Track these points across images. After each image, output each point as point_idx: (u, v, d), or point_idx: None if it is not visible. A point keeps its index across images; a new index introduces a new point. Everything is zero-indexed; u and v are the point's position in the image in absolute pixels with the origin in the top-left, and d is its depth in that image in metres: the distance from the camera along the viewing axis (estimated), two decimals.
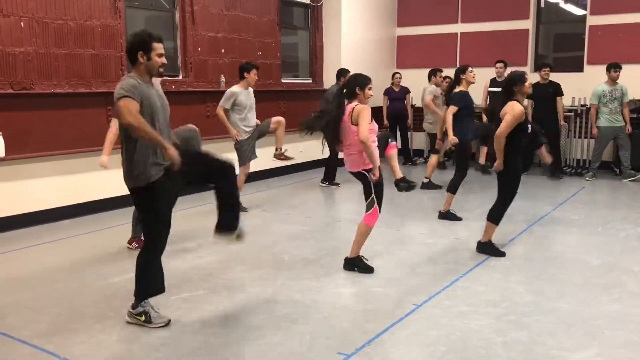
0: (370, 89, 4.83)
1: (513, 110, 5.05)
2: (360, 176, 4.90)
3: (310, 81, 10.78)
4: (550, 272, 4.94)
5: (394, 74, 10.74)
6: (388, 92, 10.72)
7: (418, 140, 11.52)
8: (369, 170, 4.83)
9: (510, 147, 5.09)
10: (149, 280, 3.93)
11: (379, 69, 11.07)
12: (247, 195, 7.30)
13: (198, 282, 4.69)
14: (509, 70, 9.86)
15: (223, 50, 8.62)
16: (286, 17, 10.20)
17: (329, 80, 10.79)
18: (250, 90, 7.13)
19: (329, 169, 8.92)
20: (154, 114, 3.69)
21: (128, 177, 3.80)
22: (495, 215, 5.36)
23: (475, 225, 6.52)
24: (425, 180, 8.57)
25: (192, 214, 6.77)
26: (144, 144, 3.63)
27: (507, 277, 4.81)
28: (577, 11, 10.69)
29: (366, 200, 4.92)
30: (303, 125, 5.02)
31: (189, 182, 4.04)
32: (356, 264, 4.95)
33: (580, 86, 9.94)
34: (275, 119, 7.28)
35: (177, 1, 8.08)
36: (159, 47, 3.76)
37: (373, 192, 4.87)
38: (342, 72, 8.75)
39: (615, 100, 8.96)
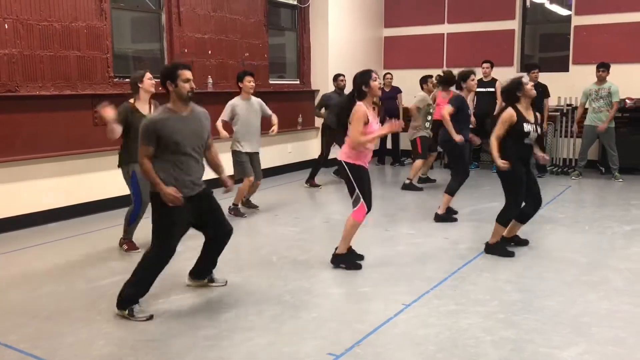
0: (375, 79, 4.87)
1: (502, 117, 5.20)
2: (341, 168, 4.96)
3: (298, 82, 10.78)
4: (538, 270, 4.97)
5: (385, 74, 10.75)
6: None
7: (407, 141, 11.52)
8: (348, 164, 4.88)
9: (508, 151, 5.17)
10: (146, 287, 4.08)
11: None
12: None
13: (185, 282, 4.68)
14: (495, 70, 9.98)
15: (210, 52, 8.60)
16: (273, 18, 10.19)
17: (317, 81, 10.82)
18: (254, 100, 6.98)
19: (315, 169, 9.05)
20: (176, 145, 3.97)
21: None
22: (503, 217, 5.38)
23: (464, 224, 6.55)
24: (407, 182, 8.68)
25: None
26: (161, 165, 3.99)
27: (495, 275, 4.83)
28: (562, 11, 10.78)
29: (351, 197, 4.95)
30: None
31: (194, 219, 4.19)
32: (343, 260, 4.99)
33: (566, 86, 10.03)
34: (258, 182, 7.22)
35: (164, 2, 8.04)
36: (184, 74, 4.01)
37: (356, 188, 4.90)
38: (335, 78, 9.13)
39: (601, 100, 9.04)
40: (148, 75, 5.46)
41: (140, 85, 5.41)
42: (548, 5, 11.00)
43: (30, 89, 6.42)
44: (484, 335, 3.69)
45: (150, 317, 3.98)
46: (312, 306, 4.22)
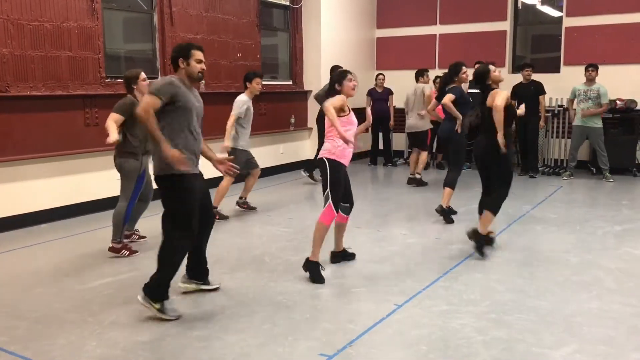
0: (350, 80, 4.79)
1: (499, 94, 5.26)
2: (320, 163, 4.83)
3: (290, 83, 10.77)
4: (529, 270, 5.00)
5: (377, 75, 10.77)
6: (371, 93, 10.76)
7: (399, 141, 11.58)
8: (329, 160, 4.75)
9: (507, 137, 5.26)
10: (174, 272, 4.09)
11: (359, 71, 11.02)
12: (228, 197, 7.24)
13: (179, 284, 4.66)
14: None
15: None
16: (266, 18, 10.18)
17: (309, 81, 10.82)
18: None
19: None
20: (190, 117, 4.01)
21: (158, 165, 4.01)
22: (494, 206, 5.40)
23: (456, 225, 6.56)
24: (418, 176, 8.93)
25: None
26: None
27: (487, 275, 4.85)
28: (554, 13, 10.84)
29: (323, 193, 4.81)
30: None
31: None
32: (310, 268, 4.77)
33: (557, 86, 10.08)
34: (256, 171, 7.17)
35: (156, 2, 8.02)
36: (197, 54, 4.08)
37: (328, 186, 4.74)
38: (332, 70, 9.10)
39: (590, 100, 9.11)
40: (142, 76, 5.41)
41: (134, 87, 5.38)
42: (539, 7, 11.05)
43: (21, 89, 6.38)
44: (476, 335, 3.70)
45: (178, 317, 3.98)
46: (304, 307, 4.21)
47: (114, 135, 5.09)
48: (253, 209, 7.35)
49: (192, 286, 4.50)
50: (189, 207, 4.00)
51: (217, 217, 6.89)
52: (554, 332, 3.74)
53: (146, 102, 3.84)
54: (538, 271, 4.96)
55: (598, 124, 9.15)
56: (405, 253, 5.50)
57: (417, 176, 8.90)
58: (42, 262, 5.36)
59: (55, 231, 6.40)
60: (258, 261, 5.31)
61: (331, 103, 4.67)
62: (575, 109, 9.35)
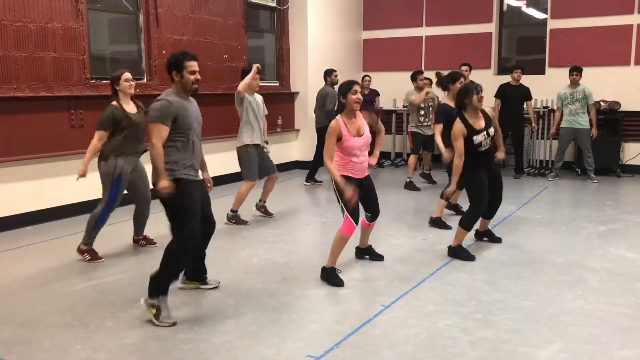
0: (354, 93, 4.61)
1: (453, 133, 5.20)
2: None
3: (277, 84, 10.76)
4: (515, 270, 5.02)
5: (363, 77, 10.77)
6: None
7: (386, 143, 11.58)
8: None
9: (468, 161, 5.18)
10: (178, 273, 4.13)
11: (346, 72, 11.06)
12: (216, 198, 7.18)
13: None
14: (473, 73, 10.05)
15: None
16: (252, 20, 10.16)
17: (296, 83, 10.81)
18: (258, 97, 6.75)
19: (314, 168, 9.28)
20: (190, 132, 4.05)
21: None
22: (466, 222, 5.36)
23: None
24: (407, 180, 8.85)
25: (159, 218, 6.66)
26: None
27: (473, 276, 4.87)
28: (539, 15, 10.93)
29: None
30: None
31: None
32: (327, 276, 4.74)
33: (542, 88, 10.16)
34: (274, 175, 6.97)
35: (141, 3, 7.97)
36: (190, 65, 4.04)
37: (339, 200, 4.65)
38: (327, 73, 9.21)
39: (577, 102, 9.21)
40: (125, 76, 5.27)
41: (117, 87, 5.26)
42: (524, 9, 11.15)
43: (4, 90, 6.31)
44: (462, 335, 3.72)
45: (174, 324, 3.90)
46: (291, 308, 4.21)
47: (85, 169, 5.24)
48: (271, 215, 7.07)
49: (191, 285, 4.56)
50: (191, 212, 3.99)
51: (234, 221, 6.73)
52: (539, 332, 3.77)
53: (157, 137, 3.89)
54: (523, 271, 4.99)
55: (586, 125, 9.23)
56: (392, 254, 5.50)
57: (407, 180, 8.93)
58: (26, 265, 5.31)
59: (39, 234, 6.34)
60: (245, 263, 5.30)
61: (327, 136, 4.60)
62: (562, 112, 9.36)
